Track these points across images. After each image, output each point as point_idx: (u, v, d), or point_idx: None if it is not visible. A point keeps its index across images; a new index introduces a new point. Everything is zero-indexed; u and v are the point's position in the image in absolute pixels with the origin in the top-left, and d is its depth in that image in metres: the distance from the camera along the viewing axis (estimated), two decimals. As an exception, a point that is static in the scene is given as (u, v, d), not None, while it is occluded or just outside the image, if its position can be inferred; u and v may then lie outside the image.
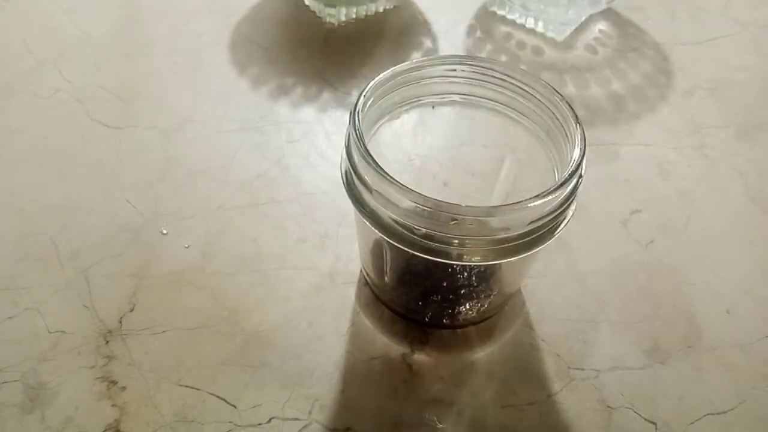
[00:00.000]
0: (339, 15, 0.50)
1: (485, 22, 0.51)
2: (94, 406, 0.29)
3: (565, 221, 0.26)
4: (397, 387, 0.30)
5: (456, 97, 0.30)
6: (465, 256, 0.25)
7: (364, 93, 0.27)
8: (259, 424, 0.29)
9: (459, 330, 0.33)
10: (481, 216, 0.24)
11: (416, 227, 0.24)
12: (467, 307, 0.32)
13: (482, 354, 0.32)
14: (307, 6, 0.51)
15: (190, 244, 0.36)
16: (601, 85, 0.47)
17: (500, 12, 0.51)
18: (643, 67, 0.48)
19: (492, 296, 0.32)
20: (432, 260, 0.25)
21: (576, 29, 0.51)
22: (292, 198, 0.38)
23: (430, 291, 0.32)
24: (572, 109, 0.27)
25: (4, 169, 0.39)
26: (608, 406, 0.30)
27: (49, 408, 0.29)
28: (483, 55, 0.49)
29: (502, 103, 0.30)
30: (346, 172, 0.27)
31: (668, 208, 0.39)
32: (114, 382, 0.30)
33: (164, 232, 0.36)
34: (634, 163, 0.41)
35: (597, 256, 0.36)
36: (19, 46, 0.47)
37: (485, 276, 0.31)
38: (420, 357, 0.32)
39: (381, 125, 0.30)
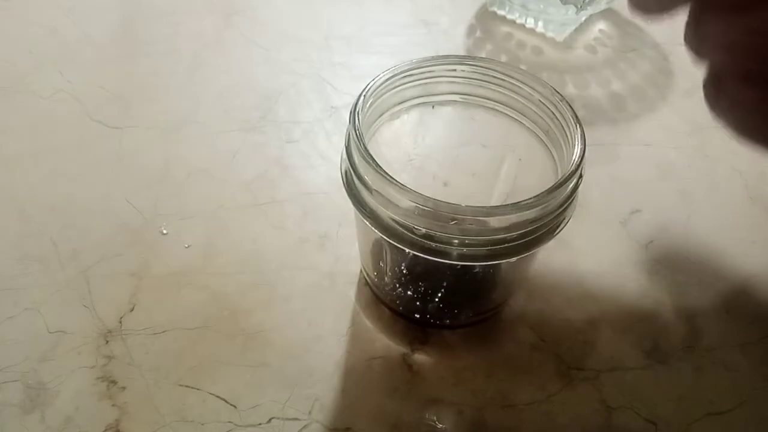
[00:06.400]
0: (339, 15, 0.50)
1: (485, 22, 0.51)
2: (94, 406, 0.29)
3: (565, 221, 0.26)
4: (397, 387, 0.30)
5: (456, 97, 0.30)
6: (465, 256, 0.25)
7: (364, 93, 0.27)
8: (259, 424, 0.29)
9: (459, 330, 0.33)
10: (481, 216, 0.23)
11: (416, 227, 0.24)
12: (467, 307, 0.32)
13: (482, 354, 0.32)
14: (307, 6, 0.51)
15: (190, 244, 0.36)
16: (601, 85, 0.47)
17: (500, 12, 0.51)
18: (643, 67, 0.48)
19: (492, 296, 0.32)
20: (432, 260, 0.25)
21: (576, 29, 0.51)
22: (292, 198, 0.38)
23: (430, 291, 0.32)
24: (572, 109, 0.27)
25: (4, 169, 0.39)
26: (608, 406, 0.30)
27: (49, 408, 0.29)
28: (483, 55, 0.49)
29: (502, 103, 0.30)
30: (346, 172, 0.27)
31: (668, 208, 0.39)
32: (114, 382, 0.30)
33: (164, 232, 0.36)
34: (634, 163, 0.41)
35: (597, 256, 0.36)
36: (19, 46, 0.47)
37: (485, 276, 0.31)
38: (420, 357, 0.32)
39: (381, 125, 0.30)
